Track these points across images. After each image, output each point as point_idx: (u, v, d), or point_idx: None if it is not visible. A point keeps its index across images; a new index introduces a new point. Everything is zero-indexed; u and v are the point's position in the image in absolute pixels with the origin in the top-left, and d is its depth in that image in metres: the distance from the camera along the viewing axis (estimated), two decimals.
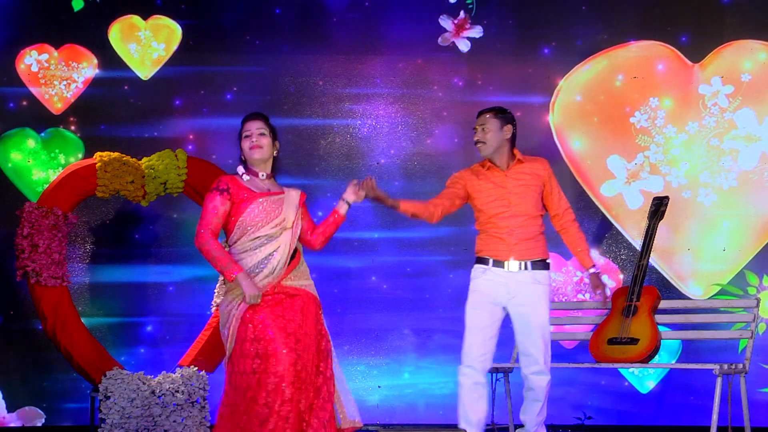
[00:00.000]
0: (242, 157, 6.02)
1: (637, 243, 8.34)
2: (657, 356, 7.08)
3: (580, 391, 8.35)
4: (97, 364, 7.76)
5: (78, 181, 7.85)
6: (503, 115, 6.58)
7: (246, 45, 8.62)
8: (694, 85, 8.42)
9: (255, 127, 5.99)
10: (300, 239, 6.07)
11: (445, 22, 8.58)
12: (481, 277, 6.54)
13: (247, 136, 5.99)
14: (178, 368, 7.72)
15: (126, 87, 8.61)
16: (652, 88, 8.44)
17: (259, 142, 5.96)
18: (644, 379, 8.25)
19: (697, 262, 8.36)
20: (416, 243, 8.58)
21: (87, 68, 8.60)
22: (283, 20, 8.64)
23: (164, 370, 7.74)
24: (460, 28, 8.58)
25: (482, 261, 6.53)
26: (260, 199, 5.91)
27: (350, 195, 6.11)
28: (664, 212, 7.22)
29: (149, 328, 8.55)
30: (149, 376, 7.63)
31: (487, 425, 7.29)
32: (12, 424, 8.37)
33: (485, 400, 6.65)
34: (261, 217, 5.90)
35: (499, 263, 6.48)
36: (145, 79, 8.60)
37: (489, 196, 6.54)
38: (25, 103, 8.58)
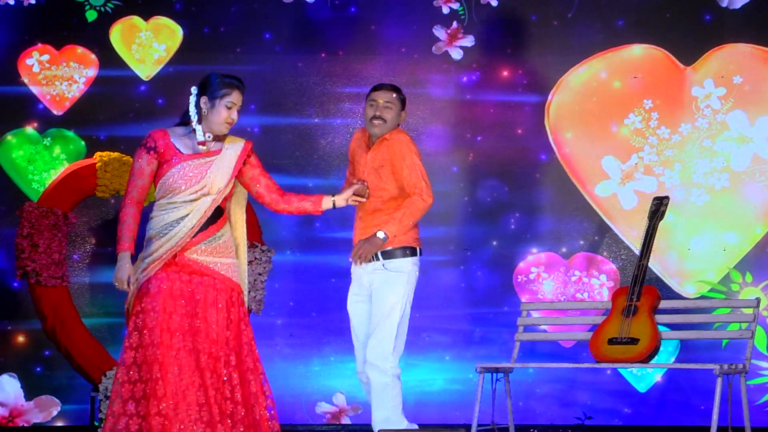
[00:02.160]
0: (195, 115, 5.67)
1: (631, 243, 8.44)
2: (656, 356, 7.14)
3: (580, 391, 8.39)
4: (97, 364, 7.75)
5: (78, 181, 7.85)
6: (403, 97, 6.37)
7: (246, 45, 8.61)
8: (687, 88, 8.49)
9: (239, 99, 5.73)
10: (258, 197, 5.86)
11: (439, 32, 8.62)
12: (352, 270, 6.33)
13: (228, 108, 5.67)
14: None
15: (127, 87, 8.60)
16: (646, 90, 8.51)
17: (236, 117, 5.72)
18: (644, 378, 8.33)
19: (690, 262, 8.44)
20: None
21: (88, 69, 8.58)
22: (283, 20, 8.65)
23: None
24: (452, 38, 8.63)
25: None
26: (183, 163, 5.60)
27: (341, 201, 5.97)
28: (664, 212, 7.27)
29: None
30: None
31: (487, 425, 7.35)
32: (30, 414, 8.35)
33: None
34: (180, 183, 5.60)
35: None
36: (146, 79, 8.59)
37: (357, 170, 6.31)
38: (26, 103, 8.55)
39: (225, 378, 5.56)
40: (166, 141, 5.63)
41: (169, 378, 5.43)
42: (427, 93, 8.66)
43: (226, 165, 5.69)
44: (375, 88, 6.37)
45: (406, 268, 6.17)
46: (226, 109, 5.67)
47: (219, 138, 5.74)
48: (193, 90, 5.73)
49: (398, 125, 6.36)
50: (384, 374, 6.11)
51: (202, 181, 5.61)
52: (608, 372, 8.29)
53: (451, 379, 8.48)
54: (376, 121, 6.22)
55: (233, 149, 5.74)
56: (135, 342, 5.50)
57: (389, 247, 6.15)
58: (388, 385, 6.11)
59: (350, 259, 6.28)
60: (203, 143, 5.67)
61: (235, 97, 5.70)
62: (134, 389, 5.44)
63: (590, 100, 8.57)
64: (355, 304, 6.31)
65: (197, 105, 5.69)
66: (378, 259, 6.16)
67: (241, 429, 5.53)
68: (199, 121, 5.68)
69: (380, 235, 6.11)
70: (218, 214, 5.70)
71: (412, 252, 6.19)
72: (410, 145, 6.26)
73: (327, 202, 5.93)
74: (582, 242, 8.53)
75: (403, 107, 6.35)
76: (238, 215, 5.89)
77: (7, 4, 8.53)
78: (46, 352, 8.38)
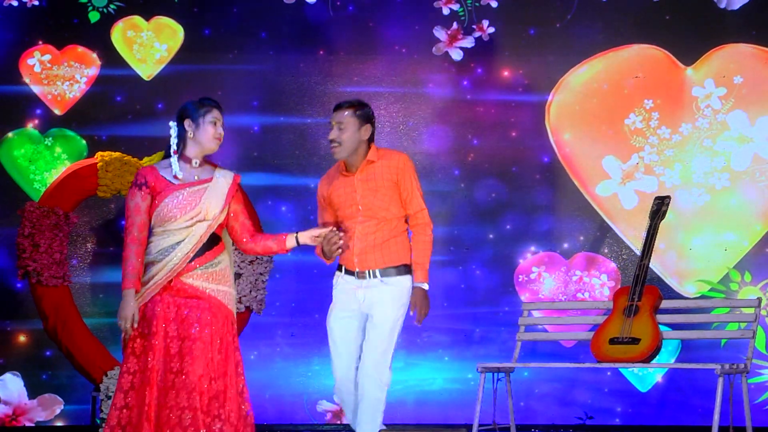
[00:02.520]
0: (179, 143, 5.72)
1: (632, 243, 8.45)
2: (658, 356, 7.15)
3: (581, 391, 8.39)
4: (99, 364, 7.76)
5: (79, 181, 7.85)
6: (362, 111, 6.06)
7: (247, 45, 8.62)
8: (688, 88, 8.51)
9: (221, 116, 5.77)
10: (230, 231, 5.84)
11: (439, 33, 8.63)
12: (336, 287, 6.18)
13: (214, 124, 5.73)
14: None
15: (128, 87, 8.60)
16: (646, 90, 8.52)
17: (222, 132, 5.77)
18: (645, 378, 8.34)
19: (690, 261, 8.46)
20: None
21: (89, 68, 8.59)
22: (284, 20, 8.66)
23: None
24: (453, 39, 8.64)
25: (339, 268, 6.15)
26: (176, 192, 5.65)
27: (306, 239, 5.88)
28: (665, 212, 7.27)
29: None
30: None
31: (488, 425, 7.35)
32: (33, 412, 8.36)
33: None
34: (176, 211, 5.64)
35: (349, 272, 6.08)
36: (148, 79, 8.60)
37: (340, 201, 6.08)
38: (28, 103, 8.55)
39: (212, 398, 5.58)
40: (155, 174, 5.70)
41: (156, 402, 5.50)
42: (427, 93, 8.67)
43: (219, 192, 5.74)
44: (333, 109, 6.21)
45: (406, 284, 6.12)
46: (212, 126, 5.73)
47: (208, 164, 5.81)
48: (172, 123, 5.78)
49: (365, 140, 6.09)
50: (380, 388, 6.03)
51: (196, 207, 5.66)
52: (608, 372, 8.30)
53: (451, 379, 8.49)
54: (332, 145, 6.09)
55: (224, 178, 5.79)
56: (132, 367, 5.56)
57: (388, 266, 6.10)
58: (381, 400, 6.05)
59: (418, 323, 6.11)
60: (189, 160, 5.74)
61: (216, 114, 5.77)
62: (121, 416, 5.52)
63: (591, 100, 8.58)
64: (341, 320, 6.13)
65: (180, 132, 5.75)
66: (375, 277, 6.12)
67: None
68: (183, 151, 5.75)
69: (425, 287, 6.08)
70: (214, 241, 5.74)
71: (408, 269, 6.14)
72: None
73: (291, 240, 5.91)
74: (583, 242, 8.54)
75: (365, 121, 6.07)
76: (228, 245, 5.92)
77: (10, 5, 8.53)
78: (48, 353, 8.38)
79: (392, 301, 6.03)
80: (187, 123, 5.73)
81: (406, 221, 6.15)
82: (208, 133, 5.72)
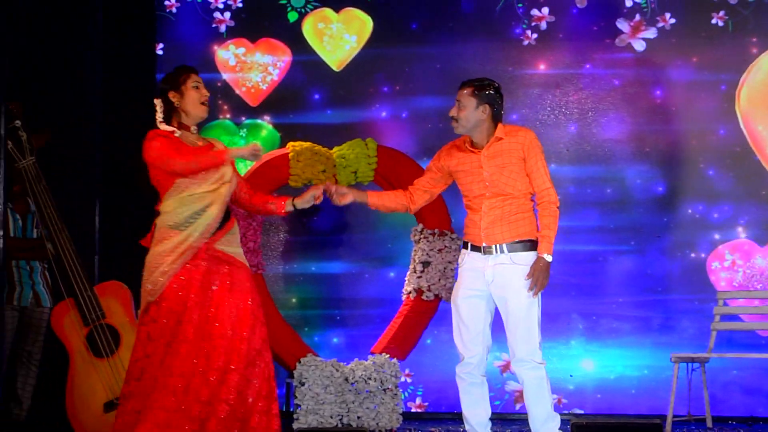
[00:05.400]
0: (169, 110, 5.79)
1: None
2: None
3: None
4: (292, 351, 7.86)
5: (271, 171, 7.95)
6: (481, 93, 6.03)
7: (435, 38, 8.65)
8: None
9: (200, 79, 5.84)
10: (234, 196, 5.88)
11: (622, 25, 8.52)
12: (463, 265, 6.14)
13: (196, 88, 5.79)
14: (371, 356, 7.75)
15: (318, 78, 8.71)
16: None
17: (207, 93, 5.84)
18: None
19: None
20: None
21: (281, 61, 8.73)
22: (466, 14, 8.68)
23: (356, 358, 7.81)
24: (636, 30, 8.51)
25: (464, 245, 6.14)
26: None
27: (302, 202, 5.95)
28: None
29: (339, 317, 8.65)
30: (342, 364, 7.70)
31: (683, 416, 7.25)
32: None
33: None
34: (201, 174, 5.66)
35: (475, 248, 6.05)
36: (338, 69, 8.71)
37: (467, 176, 6.09)
38: (223, 95, 8.74)
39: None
40: (173, 138, 5.75)
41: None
42: (610, 81, 8.55)
43: None
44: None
45: (533, 260, 6.04)
46: (195, 90, 5.80)
47: (199, 136, 5.88)
48: (157, 101, 5.83)
49: (485, 119, 6.07)
50: (537, 368, 5.99)
51: (220, 169, 5.71)
52: None
53: (632, 366, 8.35)
54: (453, 123, 6.09)
55: (220, 143, 5.91)
56: (148, 349, 5.60)
57: (515, 240, 6.02)
58: (543, 378, 6.01)
59: (532, 293, 6.01)
60: (188, 128, 5.81)
61: (195, 78, 5.82)
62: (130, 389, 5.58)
63: None
64: (468, 299, 6.08)
65: (168, 106, 5.79)
66: (502, 252, 6.03)
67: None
68: (180, 120, 5.80)
69: (548, 258, 5.99)
70: (228, 208, 5.82)
71: (535, 245, 6.05)
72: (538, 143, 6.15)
73: (288, 205, 5.97)
74: None
75: (484, 101, 6.05)
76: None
77: (216, 7, 8.73)
78: None
79: (522, 280, 5.97)
80: (171, 94, 5.79)
81: (533, 199, 6.11)
82: (192, 98, 5.80)
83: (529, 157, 6.02)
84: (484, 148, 6.05)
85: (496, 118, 6.08)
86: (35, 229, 7.10)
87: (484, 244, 5.99)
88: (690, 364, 7.31)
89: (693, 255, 8.37)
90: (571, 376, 8.26)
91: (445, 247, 7.83)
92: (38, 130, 6.93)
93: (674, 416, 7.15)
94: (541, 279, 5.96)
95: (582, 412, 8.27)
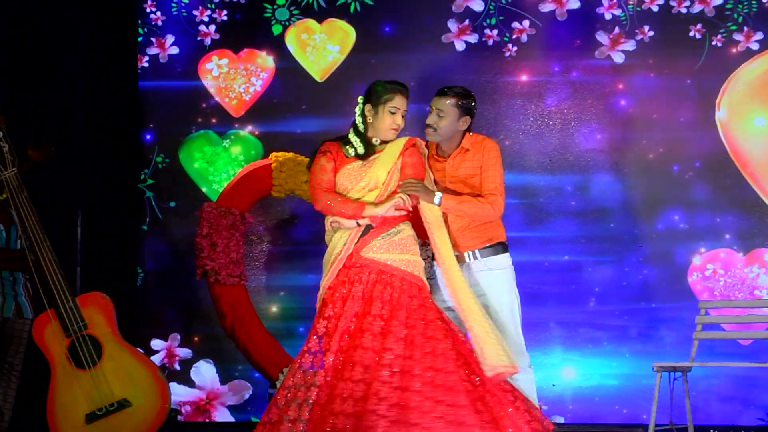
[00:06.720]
0: (361, 124, 5.80)
1: None
2: None
3: (760, 391, 8.17)
4: (275, 362, 7.87)
5: (254, 182, 7.98)
6: (465, 102, 5.97)
7: (420, 45, 8.67)
8: None
9: (403, 104, 5.80)
10: None
11: (602, 37, 8.56)
12: (434, 277, 6.12)
13: (392, 113, 5.76)
14: None
15: (301, 88, 8.71)
16: None
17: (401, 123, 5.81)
18: None
19: None
20: None
21: (264, 72, 8.73)
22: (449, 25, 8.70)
23: None
24: (615, 43, 8.55)
25: (434, 256, 6.06)
26: (348, 166, 5.77)
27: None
28: None
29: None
30: None
31: (665, 425, 7.26)
32: (224, 396, 8.57)
33: None
34: (346, 183, 5.75)
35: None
36: (320, 80, 8.72)
37: (431, 184, 6.02)
38: (207, 106, 8.73)
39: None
40: (336, 148, 5.81)
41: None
42: (591, 91, 8.57)
43: (387, 159, 5.79)
44: (436, 93, 6.11)
45: (507, 263, 6.03)
46: (390, 115, 5.76)
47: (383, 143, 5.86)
48: (360, 99, 5.86)
49: (462, 130, 6.05)
50: (526, 371, 5.99)
51: (364, 179, 5.74)
52: None
53: (611, 375, 8.37)
54: (427, 130, 6.02)
55: (396, 145, 5.84)
56: (314, 347, 5.62)
57: (485, 245, 5.98)
58: (531, 380, 6.04)
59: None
60: (355, 158, 5.79)
61: (398, 102, 5.77)
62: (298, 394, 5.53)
63: (765, 91, 8.37)
64: (445, 311, 5.98)
65: (362, 114, 5.81)
66: (475, 258, 5.99)
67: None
68: (365, 131, 5.81)
69: (436, 201, 5.87)
70: None
71: (505, 248, 6.04)
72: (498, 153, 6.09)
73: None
74: (762, 239, 8.33)
75: (466, 113, 6.00)
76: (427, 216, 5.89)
77: (201, 20, 8.74)
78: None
79: (499, 287, 5.96)
80: (367, 108, 5.81)
81: None
82: (384, 122, 5.78)
83: (485, 163, 5.96)
84: (450, 157, 6.04)
85: (469, 129, 6.07)
86: (18, 240, 7.09)
87: (456, 253, 5.96)
88: (672, 374, 7.32)
89: (673, 264, 8.39)
90: (553, 385, 8.27)
91: (427, 257, 7.84)
92: (41, 143, 6.93)
93: (656, 425, 7.16)
94: (413, 191, 5.81)
95: (563, 420, 8.27)
